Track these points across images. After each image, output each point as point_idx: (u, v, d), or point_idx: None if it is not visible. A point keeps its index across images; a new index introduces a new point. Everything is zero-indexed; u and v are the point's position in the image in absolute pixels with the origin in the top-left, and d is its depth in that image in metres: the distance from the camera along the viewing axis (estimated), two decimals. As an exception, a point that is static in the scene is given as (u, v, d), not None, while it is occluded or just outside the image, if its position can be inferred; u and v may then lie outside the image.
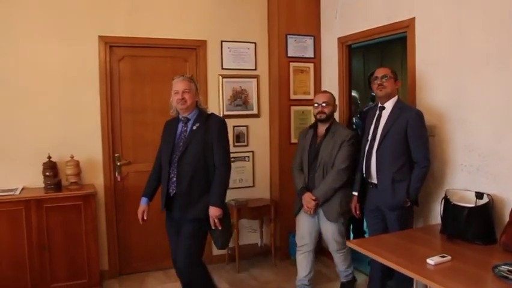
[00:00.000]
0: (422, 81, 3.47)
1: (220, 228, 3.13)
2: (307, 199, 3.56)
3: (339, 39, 4.45)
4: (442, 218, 2.86)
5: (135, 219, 4.35)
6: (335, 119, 3.78)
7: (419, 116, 3.13)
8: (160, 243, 4.31)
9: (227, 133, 3.25)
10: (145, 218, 3.30)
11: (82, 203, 3.79)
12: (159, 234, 4.40)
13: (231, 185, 4.51)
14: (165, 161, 3.20)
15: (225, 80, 4.55)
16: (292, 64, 4.65)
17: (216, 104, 4.54)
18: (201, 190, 3.12)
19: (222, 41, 4.55)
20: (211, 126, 3.15)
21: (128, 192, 4.29)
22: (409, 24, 3.55)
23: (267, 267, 4.52)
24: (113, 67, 4.22)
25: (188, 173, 3.10)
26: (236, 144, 4.62)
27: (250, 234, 4.76)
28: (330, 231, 3.62)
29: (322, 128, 3.66)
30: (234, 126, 4.59)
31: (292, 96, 4.61)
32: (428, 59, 3.42)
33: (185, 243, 3.12)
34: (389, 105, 3.23)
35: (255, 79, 4.69)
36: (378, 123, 3.26)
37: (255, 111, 4.70)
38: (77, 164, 3.92)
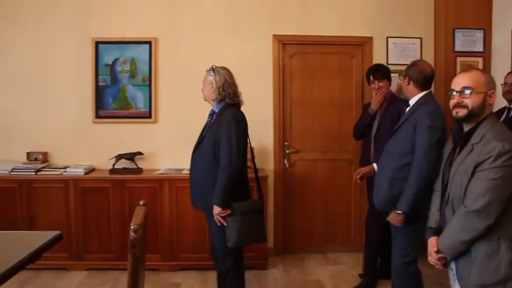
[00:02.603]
0: None
1: (225, 225, 3.02)
2: (429, 248, 2.22)
3: (514, 31, 4.26)
4: None
5: (300, 204, 4.75)
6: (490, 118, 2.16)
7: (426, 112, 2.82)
8: (321, 228, 4.70)
9: (237, 129, 3.03)
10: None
11: (254, 184, 4.23)
12: (320, 220, 4.74)
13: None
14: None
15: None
16: (459, 59, 4.57)
17: (381, 98, 4.68)
18: (213, 184, 3.02)
19: (387, 37, 4.66)
20: (223, 121, 3.04)
21: (295, 179, 4.68)
22: None
23: (422, 260, 4.50)
24: (285, 63, 4.61)
25: (199, 166, 3.11)
26: (398, 137, 4.69)
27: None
28: None
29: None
30: (397, 120, 4.68)
31: (459, 92, 4.53)
32: None
33: (213, 238, 3.19)
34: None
35: (420, 74, 4.70)
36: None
37: (418, 106, 4.71)
38: (251, 150, 4.37)
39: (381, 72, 3.90)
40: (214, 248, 3.23)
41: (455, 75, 4.48)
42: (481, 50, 4.61)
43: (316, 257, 4.62)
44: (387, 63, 4.62)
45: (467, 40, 4.60)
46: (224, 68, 3.21)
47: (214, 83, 3.13)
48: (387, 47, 4.67)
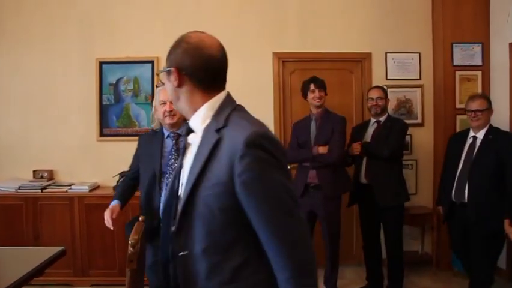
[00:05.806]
0: None
1: None
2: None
3: (511, 44, 4.29)
4: None
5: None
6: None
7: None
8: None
9: None
10: (113, 217, 2.85)
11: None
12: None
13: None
14: (150, 181, 2.73)
15: (389, 90, 4.63)
16: (458, 73, 4.62)
17: (380, 113, 4.71)
18: None
19: (386, 53, 4.73)
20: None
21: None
22: None
23: (427, 276, 4.48)
24: (285, 80, 4.69)
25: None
26: (400, 152, 4.71)
27: (410, 241, 4.80)
28: None
29: None
30: (398, 135, 4.71)
31: (458, 105, 4.55)
32: None
33: None
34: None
35: (419, 89, 4.76)
36: None
37: (419, 121, 4.76)
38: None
39: (321, 81, 3.84)
40: None
41: (454, 89, 4.59)
42: (480, 63, 4.65)
43: (320, 273, 4.60)
44: (387, 79, 4.72)
45: (465, 54, 4.64)
46: None
47: None
48: (386, 62, 4.73)
